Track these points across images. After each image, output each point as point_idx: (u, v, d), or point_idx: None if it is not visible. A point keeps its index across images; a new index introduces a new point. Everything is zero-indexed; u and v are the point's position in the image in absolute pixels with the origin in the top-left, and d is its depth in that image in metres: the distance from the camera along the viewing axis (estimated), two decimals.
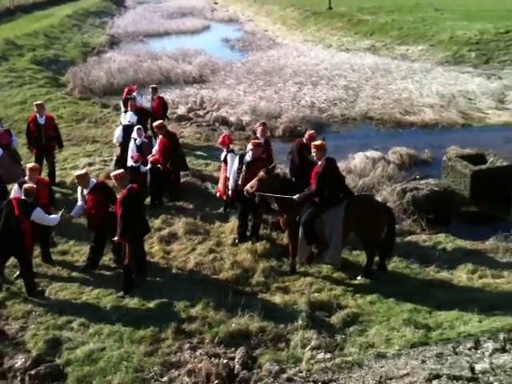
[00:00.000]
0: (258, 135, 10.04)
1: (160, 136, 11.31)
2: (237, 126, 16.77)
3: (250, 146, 8.98)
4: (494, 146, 13.40)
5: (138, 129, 11.53)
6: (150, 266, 8.40)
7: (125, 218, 7.49)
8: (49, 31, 33.89)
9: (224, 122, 17.11)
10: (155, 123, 11.60)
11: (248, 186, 8.14)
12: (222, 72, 24.49)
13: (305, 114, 17.48)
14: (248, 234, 9.38)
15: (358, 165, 12.90)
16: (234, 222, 9.73)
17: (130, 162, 11.09)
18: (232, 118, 17.22)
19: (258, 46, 32.56)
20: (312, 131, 10.02)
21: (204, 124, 17.12)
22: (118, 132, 12.45)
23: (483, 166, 11.11)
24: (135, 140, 11.40)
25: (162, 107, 14.49)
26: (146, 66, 25.46)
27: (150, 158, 10.93)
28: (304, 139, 9.68)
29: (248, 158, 8.91)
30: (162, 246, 9.17)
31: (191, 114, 17.90)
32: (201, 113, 18.09)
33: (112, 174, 8.01)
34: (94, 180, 8.59)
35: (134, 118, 12.30)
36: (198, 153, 14.46)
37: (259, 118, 16.74)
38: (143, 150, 11.36)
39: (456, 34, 26.79)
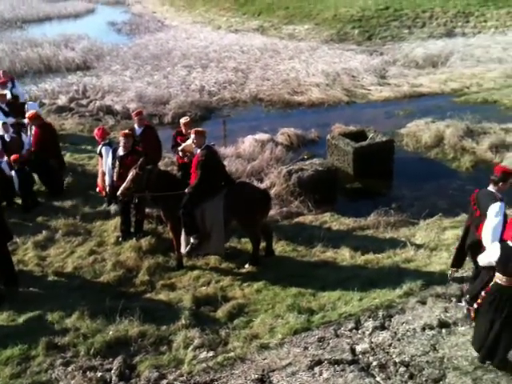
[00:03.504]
0: (136, 125, 9.56)
1: (34, 127, 10.53)
2: (123, 115, 16.03)
3: (121, 138, 8.50)
4: (375, 121, 13.93)
5: (4, 123, 10.70)
6: (23, 276, 7.75)
7: None
8: None
9: (109, 111, 16.31)
10: (28, 113, 10.83)
11: (122, 189, 7.63)
12: (107, 57, 23.50)
13: (194, 98, 17.16)
14: (132, 230, 8.94)
15: (246, 149, 12.79)
16: (117, 219, 9.23)
17: None
18: (117, 107, 16.45)
19: (146, 28, 31.63)
20: (186, 118, 9.70)
21: (87, 114, 16.20)
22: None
23: (364, 143, 11.39)
24: (3, 136, 10.57)
25: None
26: (25, 55, 23.83)
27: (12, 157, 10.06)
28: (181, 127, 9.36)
29: (120, 152, 8.41)
30: (37, 252, 8.49)
31: (73, 104, 16.88)
32: (83, 102, 17.11)
33: None
34: None
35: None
36: (82, 146, 13.64)
37: (146, 105, 16.23)
38: (13, 146, 10.54)
39: (339, 11, 27.45)
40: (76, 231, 9.15)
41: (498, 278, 5.14)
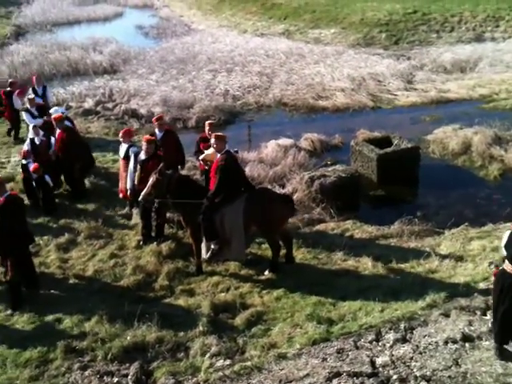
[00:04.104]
0: (156, 130, 9.60)
1: (58, 130, 10.69)
2: (147, 119, 16.04)
3: (143, 143, 8.54)
4: (401, 127, 13.68)
5: (34, 127, 10.90)
6: (44, 278, 7.83)
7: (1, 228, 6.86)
8: None
9: (134, 114, 16.40)
10: (54, 115, 11.10)
11: (144, 194, 7.70)
12: (134, 61, 23.62)
13: (218, 102, 17.12)
14: (153, 234, 8.95)
15: (269, 154, 12.70)
16: (138, 223, 9.25)
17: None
18: (142, 110, 16.52)
19: (173, 32, 31.70)
20: (210, 121, 9.71)
21: (112, 117, 16.34)
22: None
23: (388, 149, 11.21)
24: (33, 139, 10.74)
25: None
26: (53, 58, 24.13)
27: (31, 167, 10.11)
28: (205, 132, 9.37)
29: (142, 156, 8.46)
30: (59, 255, 8.58)
31: (99, 108, 17.03)
32: (109, 105, 17.24)
33: None
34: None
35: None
36: (107, 149, 13.76)
37: (171, 109, 16.32)
38: (42, 149, 10.71)
39: (366, 15, 27.10)
40: (98, 234, 9.21)
41: (505, 263, 5.32)
